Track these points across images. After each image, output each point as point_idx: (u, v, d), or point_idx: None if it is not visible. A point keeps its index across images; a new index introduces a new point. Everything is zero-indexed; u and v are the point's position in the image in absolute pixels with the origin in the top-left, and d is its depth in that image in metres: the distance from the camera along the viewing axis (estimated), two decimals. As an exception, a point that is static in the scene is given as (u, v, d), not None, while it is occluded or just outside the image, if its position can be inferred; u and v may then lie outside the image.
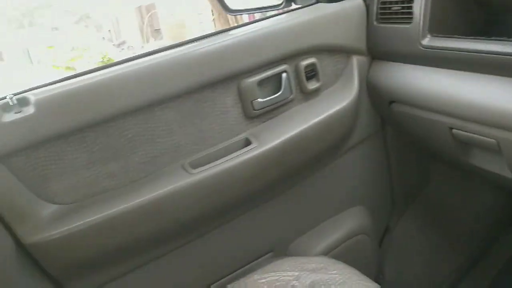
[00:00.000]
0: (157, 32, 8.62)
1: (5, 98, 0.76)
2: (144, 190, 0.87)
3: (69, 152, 0.82)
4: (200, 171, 0.90)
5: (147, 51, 0.93)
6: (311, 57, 1.02)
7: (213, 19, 6.77)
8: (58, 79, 0.83)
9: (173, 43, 0.96)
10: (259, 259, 1.10)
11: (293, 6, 1.09)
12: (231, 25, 5.71)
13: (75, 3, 9.50)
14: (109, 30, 9.23)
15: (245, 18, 5.53)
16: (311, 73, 1.03)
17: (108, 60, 6.33)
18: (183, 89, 0.89)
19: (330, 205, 1.20)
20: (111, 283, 0.92)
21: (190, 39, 0.96)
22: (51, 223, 0.81)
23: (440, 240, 1.37)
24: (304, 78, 1.02)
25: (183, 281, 1.02)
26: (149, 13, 8.50)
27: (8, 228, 0.79)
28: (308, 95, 1.05)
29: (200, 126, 0.94)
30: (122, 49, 8.26)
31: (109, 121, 0.84)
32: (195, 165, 0.92)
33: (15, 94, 0.77)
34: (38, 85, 0.81)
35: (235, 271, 1.07)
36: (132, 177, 0.89)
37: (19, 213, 0.79)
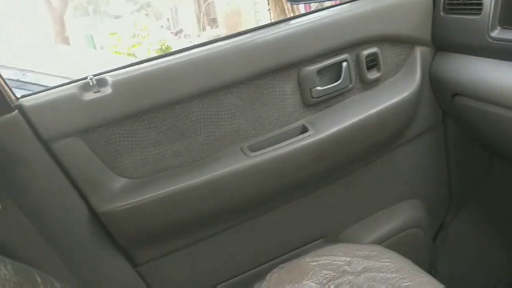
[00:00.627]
0: (213, 21, 8.75)
1: (86, 78, 0.83)
2: (205, 169, 0.92)
3: (140, 130, 0.88)
4: (258, 155, 0.93)
5: (213, 38, 0.97)
6: (373, 46, 1.02)
7: (269, 9, 6.76)
8: (133, 62, 0.89)
9: (228, 32, 0.99)
10: (310, 244, 1.12)
11: (357, -5, 1.08)
12: (287, 15, 5.69)
13: (137, -8, 9.84)
14: (168, 19, 9.49)
15: (302, 9, 5.47)
16: (372, 62, 1.03)
17: (166, 48, 6.51)
18: (246, 75, 0.93)
19: (385, 196, 1.19)
20: (170, 255, 0.98)
21: (253, 28, 0.99)
22: (121, 195, 0.87)
23: (498, 240, 1.32)
24: (364, 67, 1.02)
25: (235, 259, 1.06)
26: (206, 2, 8.64)
27: (84, 197, 0.87)
28: (368, 85, 1.05)
29: (259, 112, 0.97)
30: (179, 37, 8.48)
31: (177, 103, 0.89)
32: (253, 148, 0.95)
33: (94, 75, 0.84)
34: (115, 67, 0.88)
35: (286, 253, 1.10)
36: (195, 157, 0.94)
37: (94, 184, 0.87)
